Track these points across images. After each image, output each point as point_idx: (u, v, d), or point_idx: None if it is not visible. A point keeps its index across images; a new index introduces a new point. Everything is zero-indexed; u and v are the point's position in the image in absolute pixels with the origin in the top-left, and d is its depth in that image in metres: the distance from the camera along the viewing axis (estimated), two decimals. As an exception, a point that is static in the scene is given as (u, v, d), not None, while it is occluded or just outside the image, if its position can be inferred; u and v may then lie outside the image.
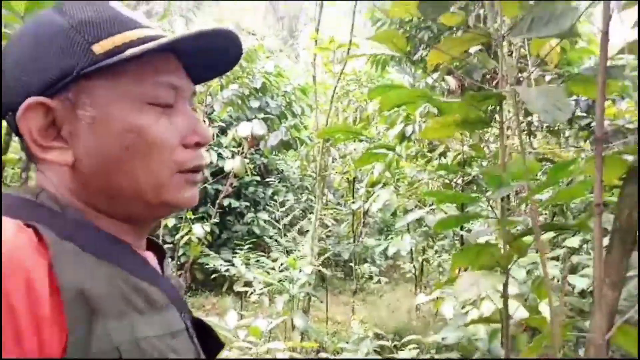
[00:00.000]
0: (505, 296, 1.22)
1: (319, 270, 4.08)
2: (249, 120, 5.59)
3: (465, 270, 2.40)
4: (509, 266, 1.20)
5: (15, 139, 2.08)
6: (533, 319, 1.60)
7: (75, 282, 0.48)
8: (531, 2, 1.42)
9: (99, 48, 0.54)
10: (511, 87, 1.18)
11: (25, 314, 0.44)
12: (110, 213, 0.58)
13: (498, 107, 1.87)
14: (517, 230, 1.39)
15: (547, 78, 3.29)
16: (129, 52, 0.53)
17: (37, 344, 0.45)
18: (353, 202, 4.99)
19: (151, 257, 0.64)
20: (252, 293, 3.84)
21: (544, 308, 2.28)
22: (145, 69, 0.56)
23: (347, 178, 5.14)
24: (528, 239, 1.45)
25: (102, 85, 0.54)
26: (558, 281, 2.60)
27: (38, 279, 0.46)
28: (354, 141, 4.44)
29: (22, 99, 0.54)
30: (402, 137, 3.96)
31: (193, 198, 0.60)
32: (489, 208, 1.59)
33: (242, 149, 4.71)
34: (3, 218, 0.49)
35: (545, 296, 1.56)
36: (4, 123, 0.60)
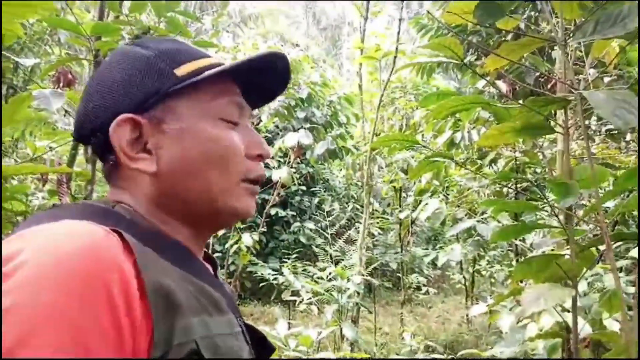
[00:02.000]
0: (574, 310, 1.16)
1: (367, 280, 4.04)
2: (295, 130, 5.65)
3: (521, 282, 2.31)
4: (578, 279, 1.14)
5: (80, 152, 2.18)
6: (602, 334, 1.51)
7: (158, 281, 0.51)
8: (592, 4, 1.36)
9: (180, 71, 0.62)
10: (577, 92, 1.13)
11: (123, 307, 0.47)
12: (181, 219, 0.63)
13: (554, 112, 1.80)
14: (583, 240, 1.33)
15: (606, 80, 3.14)
16: (207, 73, 0.62)
17: (131, 336, 0.47)
18: (400, 211, 4.92)
19: (208, 267, 0.68)
20: (300, 302, 3.85)
21: (610, 323, 2.15)
22: (217, 90, 0.64)
23: (394, 186, 5.07)
24: (594, 249, 1.37)
25: (183, 103, 0.63)
26: (623, 294, 2.45)
27: (130, 276, 0.49)
28: (403, 150, 4.39)
29: (109, 120, 0.61)
30: (451, 144, 3.88)
31: (252, 208, 0.67)
32: (552, 217, 1.52)
33: (289, 158, 4.77)
34: (89, 223, 0.52)
35: (615, 310, 1.47)
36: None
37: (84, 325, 0.45)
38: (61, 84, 2.13)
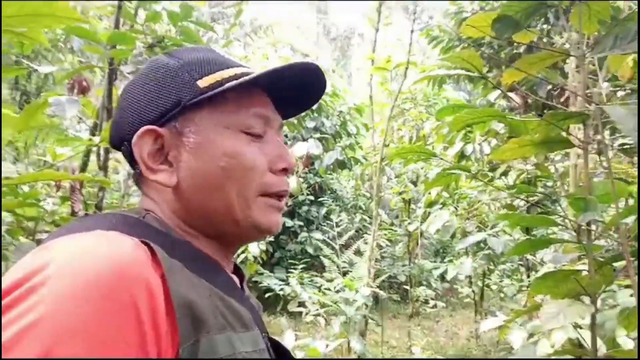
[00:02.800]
0: (593, 327, 1.13)
1: (374, 292, 4.01)
2: (304, 139, 5.66)
3: (533, 297, 2.27)
4: (597, 295, 1.12)
5: (91, 160, 2.18)
6: (620, 351, 1.48)
7: (186, 296, 0.50)
8: (610, 19, 1.35)
9: (202, 83, 0.61)
10: (597, 106, 1.11)
11: (149, 322, 0.46)
12: (205, 232, 0.62)
13: (568, 126, 1.78)
14: (600, 256, 1.30)
15: (620, 94, 3.11)
16: (227, 85, 0.60)
17: (156, 351, 0.47)
18: (409, 223, 4.89)
19: (235, 279, 0.67)
20: (307, 313, 3.82)
21: (625, 341, 2.11)
22: (240, 101, 0.63)
23: (403, 198, 5.05)
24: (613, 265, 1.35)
25: (204, 116, 0.61)
26: None
27: (157, 291, 0.48)
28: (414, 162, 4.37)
29: (134, 130, 0.61)
30: (461, 157, 3.86)
31: (276, 223, 0.65)
32: (565, 231, 1.49)
33: (297, 168, 4.76)
34: (119, 234, 0.52)
35: (633, 328, 1.44)
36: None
37: (110, 340, 0.44)
38: (76, 91, 2.15)
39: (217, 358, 0.50)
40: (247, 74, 0.63)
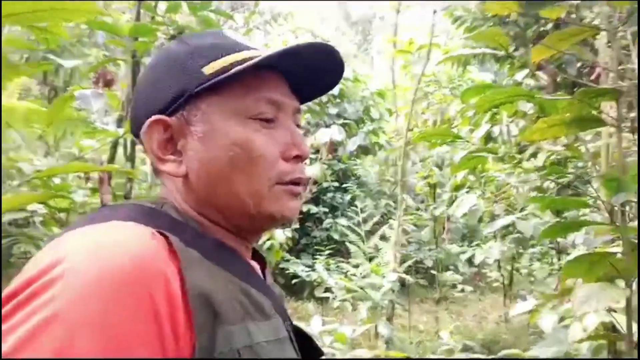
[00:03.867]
0: (628, 312, 1.10)
1: (401, 277, 4.00)
2: (327, 126, 5.63)
3: (565, 281, 2.22)
4: (634, 278, 1.08)
5: (119, 152, 2.23)
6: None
7: (202, 287, 0.50)
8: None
9: (209, 69, 0.59)
10: (631, 82, 1.07)
11: (167, 316, 0.46)
12: (219, 223, 0.61)
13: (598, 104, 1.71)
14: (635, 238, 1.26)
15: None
16: (232, 70, 0.58)
17: (174, 346, 0.47)
18: (435, 208, 4.84)
19: (256, 267, 0.66)
20: (334, 299, 3.84)
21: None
22: (249, 86, 0.59)
23: (429, 182, 4.99)
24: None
25: (210, 103, 0.59)
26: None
27: (174, 283, 0.48)
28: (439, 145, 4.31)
29: (146, 118, 0.60)
30: (488, 138, 3.78)
31: (293, 210, 0.62)
32: (594, 213, 1.45)
33: (321, 155, 4.76)
34: (136, 225, 0.52)
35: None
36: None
37: (127, 333, 0.44)
38: (100, 85, 2.19)
39: (234, 349, 0.50)
40: (256, 57, 0.59)
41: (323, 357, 0.72)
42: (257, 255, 0.69)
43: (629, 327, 1.11)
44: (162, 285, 0.47)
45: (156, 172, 0.63)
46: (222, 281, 0.54)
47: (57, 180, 2.39)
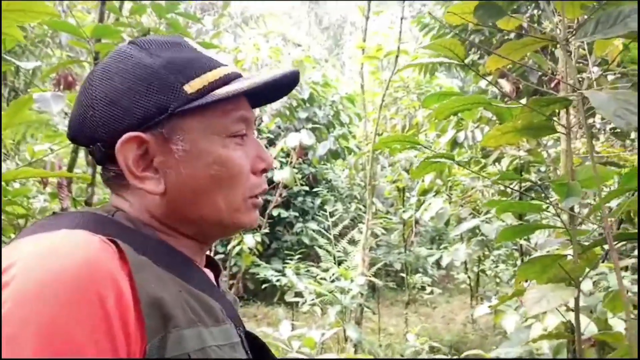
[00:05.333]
0: (577, 311, 1.14)
1: (371, 281, 4.03)
2: (297, 130, 5.64)
3: (526, 282, 2.29)
4: (581, 279, 1.13)
5: (81, 155, 2.17)
6: (606, 334, 1.50)
7: (153, 292, 0.51)
8: (594, 3, 1.35)
9: (189, 88, 0.59)
10: (579, 91, 1.12)
11: (118, 319, 0.47)
12: (184, 233, 0.63)
13: (558, 111, 1.78)
14: (588, 239, 1.31)
15: (610, 78, 3.11)
16: (222, 91, 0.59)
17: (126, 349, 0.47)
18: (404, 211, 4.91)
19: (209, 274, 0.67)
20: (303, 303, 3.84)
21: (615, 322, 2.13)
22: (226, 107, 0.61)
23: (397, 186, 5.06)
24: (598, 249, 1.36)
25: (192, 122, 0.60)
26: (628, 293, 2.43)
27: (124, 286, 0.49)
28: (406, 150, 4.37)
29: (111, 133, 0.58)
30: (454, 144, 3.86)
31: (256, 219, 0.67)
32: (555, 217, 1.50)
33: (291, 159, 4.76)
34: (86, 232, 0.52)
35: (619, 310, 1.46)
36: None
37: (79, 337, 0.44)
38: (62, 87, 2.14)
39: (185, 352, 0.50)
40: (231, 74, 0.62)
41: (291, 357, 0.74)
42: (211, 263, 0.71)
43: (577, 325, 1.16)
44: (112, 290, 0.47)
45: (112, 182, 0.62)
46: (173, 286, 0.54)
47: (17, 185, 2.32)
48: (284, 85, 0.68)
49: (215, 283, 0.67)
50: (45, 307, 0.44)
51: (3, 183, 1.94)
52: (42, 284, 0.45)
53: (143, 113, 0.58)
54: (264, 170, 0.66)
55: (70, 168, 1.95)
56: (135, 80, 0.58)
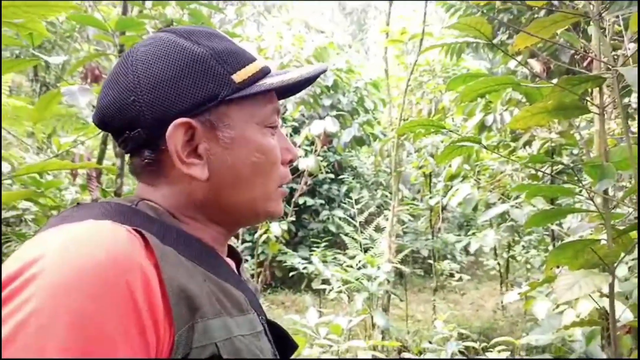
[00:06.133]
0: (611, 297, 1.10)
1: (398, 268, 4.01)
2: (321, 118, 5.62)
3: (557, 268, 2.23)
4: (615, 264, 1.09)
5: (109, 147, 2.21)
6: (642, 322, 1.44)
7: (179, 282, 0.51)
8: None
9: (237, 78, 0.62)
10: (613, 69, 1.06)
11: (146, 309, 0.47)
12: (216, 221, 0.64)
13: (591, 91, 1.71)
14: (622, 223, 1.26)
15: (647, 54, 2.96)
16: (265, 83, 0.63)
17: (155, 338, 0.47)
18: (430, 197, 4.84)
19: (231, 263, 0.68)
20: (330, 291, 3.86)
21: (652, 309, 2.06)
22: (265, 98, 0.65)
23: (424, 172, 4.99)
24: (633, 233, 1.30)
25: (237, 110, 0.62)
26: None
27: (151, 277, 0.49)
28: (432, 135, 4.31)
29: (158, 118, 0.58)
30: (482, 127, 3.77)
31: (282, 209, 0.70)
32: (588, 201, 1.45)
33: (316, 147, 4.74)
34: (112, 223, 0.52)
35: (657, 297, 1.40)
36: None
37: (108, 330, 0.44)
38: (89, 80, 2.17)
39: (213, 342, 0.51)
40: (265, 68, 0.66)
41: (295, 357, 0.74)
42: (232, 253, 0.71)
43: (612, 312, 1.12)
44: (140, 280, 0.47)
45: (142, 170, 0.62)
46: (198, 277, 0.54)
47: (49, 177, 2.39)
48: (310, 78, 0.69)
49: (237, 272, 0.68)
50: (76, 298, 0.44)
51: (36, 175, 1.99)
52: (71, 276, 0.45)
53: (193, 100, 0.59)
54: (291, 161, 0.69)
55: (100, 160, 1.99)
56: (184, 67, 0.59)
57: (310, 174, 4.61)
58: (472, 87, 1.32)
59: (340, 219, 6.13)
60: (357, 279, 3.54)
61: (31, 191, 1.54)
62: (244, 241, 5.33)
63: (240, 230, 4.76)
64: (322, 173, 6.34)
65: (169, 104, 0.58)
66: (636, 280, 2.23)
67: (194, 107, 0.59)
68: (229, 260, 0.67)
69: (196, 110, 0.59)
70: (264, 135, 0.64)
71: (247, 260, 5.23)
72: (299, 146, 5.44)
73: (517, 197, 3.63)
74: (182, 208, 0.62)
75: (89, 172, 1.68)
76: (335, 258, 4.58)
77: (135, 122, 0.59)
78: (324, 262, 4.36)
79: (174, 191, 0.61)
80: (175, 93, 0.58)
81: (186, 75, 0.59)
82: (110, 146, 2.19)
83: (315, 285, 4.27)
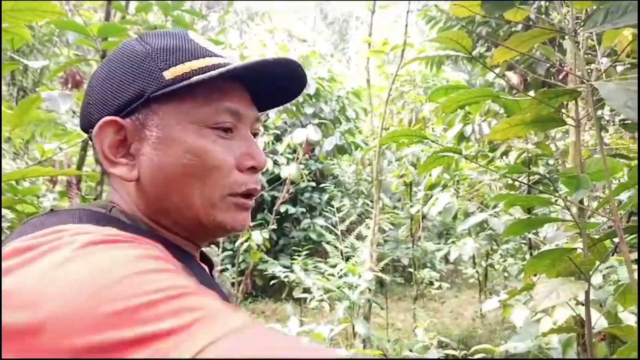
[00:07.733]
0: (587, 305, 1.14)
1: (378, 276, 4.03)
2: (303, 126, 5.64)
3: (535, 276, 2.28)
4: (591, 273, 1.12)
5: (90, 154, 2.19)
6: (617, 327, 1.49)
7: None
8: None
9: (169, 74, 0.58)
10: (587, 83, 1.10)
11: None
12: (170, 228, 0.62)
13: (566, 103, 1.76)
14: (597, 233, 1.30)
15: (619, 69, 3.07)
16: (194, 78, 0.57)
17: None
18: (411, 206, 4.89)
19: (205, 268, 0.68)
20: (311, 299, 3.85)
21: (626, 316, 2.11)
22: (209, 95, 0.59)
23: (404, 181, 5.04)
24: (608, 242, 1.35)
25: (168, 109, 0.58)
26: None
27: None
28: (413, 144, 4.35)
29: (99, 117, 0.59)
30: (461, 138, 3.84)
31: (243, 222, 0.63)
32: (564, 210, 1.49)
33: (297, 155, 4.76)
34: (90, 227, 0.51)
35: (629, 304, 1.45)
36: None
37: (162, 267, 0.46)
38: (69, 85, 2.15)
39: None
40: (220, 65, 0.59)
41: None
42: (204, 257, 0.71)
43: (588, 319, 1.15)
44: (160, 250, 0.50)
45: (106, 173, 0.63)
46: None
47: (26, 184, 2.34)
48: (290, 83, 0.65)
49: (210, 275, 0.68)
50: (117, 252, 0.44)
51: (13, 182, 1.95)
52: (101, 240, 0.45)
53: (123, 98, 0.58)
54: (253, 169, 0.62)
55: (80, 166, 1.97)
56: (121, 67, 0.59)
57: (292, 182, 4.61)
58: (453, 98, 1.35)
59: (321, 227, 6.14)
60: (338, 288, 3.54)
61: (10, 198, 1.51)
62: (224, 249, 5.28)
63: (221, 239, 4.72)
64: (303, 181, 6.35)
65: (106, 103, 0.59)
66: (610, 288, 2.28)
67: (125, 106, 0.58)
68: (202, 265, 0.67)
69: (127, 109, 0.58)
70: (201, 137, 0.58)
71: (227, 269, 5.18)
72: (282, 154, 5.45)
73: (495, 206, 3.70)
74: (144, 211, 0.61)
75: (69, 179, 1.66)
76: (316, 266, 4.58)
77: (90, 124, 0.60)
78: (305, 270, 4.36)
79: (122, 194, 0.61)
80: (110, 92, 0.59)
81: (120, 74, 0.59)
82: (90, 152, 2.17)
83: (297, 294, 4.26)
